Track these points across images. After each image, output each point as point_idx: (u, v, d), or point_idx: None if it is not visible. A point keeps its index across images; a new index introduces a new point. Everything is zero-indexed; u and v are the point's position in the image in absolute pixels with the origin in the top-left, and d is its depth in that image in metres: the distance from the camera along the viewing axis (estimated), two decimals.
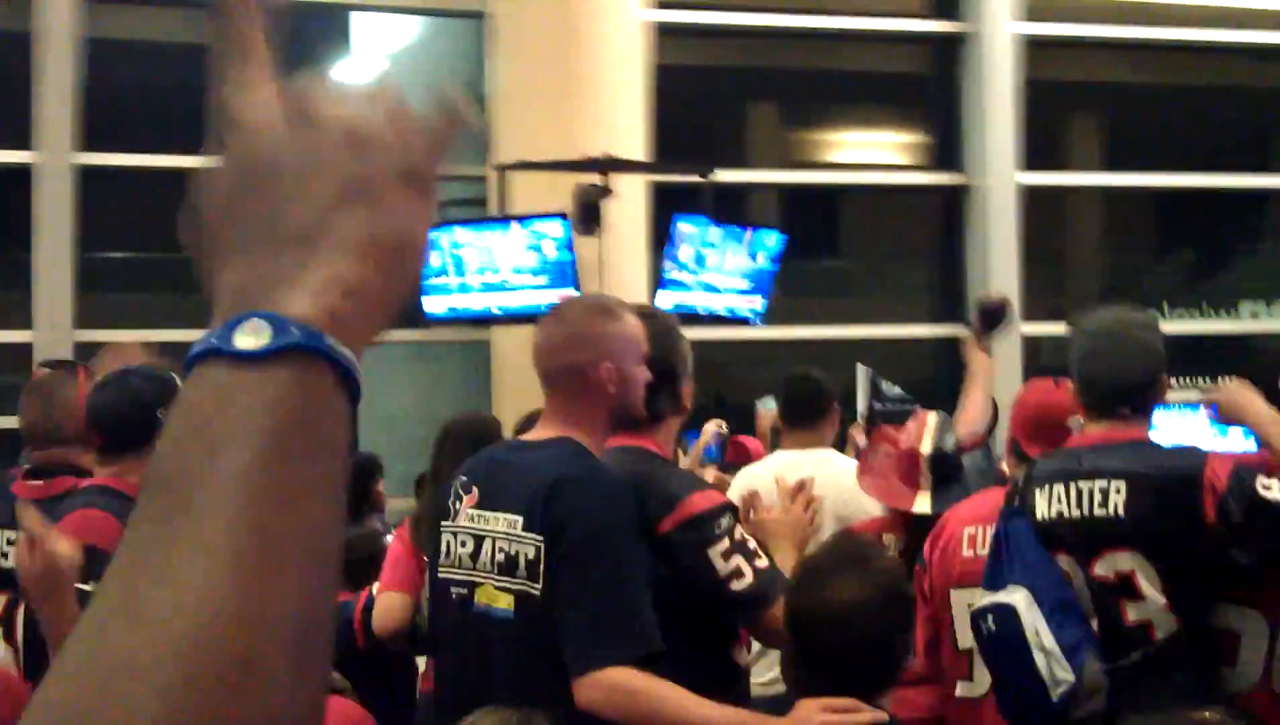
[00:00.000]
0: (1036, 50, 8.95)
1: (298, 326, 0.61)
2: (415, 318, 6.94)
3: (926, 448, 3.56)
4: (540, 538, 2.44)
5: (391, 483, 5.56)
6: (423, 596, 3.18)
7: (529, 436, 2.73)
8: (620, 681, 2.34)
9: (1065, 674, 2.68)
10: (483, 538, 2.52)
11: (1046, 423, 3.23)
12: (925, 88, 9.58)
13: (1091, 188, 9.77)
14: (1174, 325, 8.91)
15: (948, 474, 3.53)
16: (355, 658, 3.35)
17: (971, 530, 3.12)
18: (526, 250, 6.73)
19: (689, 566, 2.58)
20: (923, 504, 3.42)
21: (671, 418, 2.85)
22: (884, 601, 2.30)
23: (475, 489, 2.59)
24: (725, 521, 2.62)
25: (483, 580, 2.50)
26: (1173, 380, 3.03)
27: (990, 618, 2.76)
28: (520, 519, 2.47)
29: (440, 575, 2.62)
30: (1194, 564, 2.77)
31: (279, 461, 0.59)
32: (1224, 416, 2.99)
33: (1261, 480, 2.71)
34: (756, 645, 3.29)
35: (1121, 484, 2.79)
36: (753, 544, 2.64)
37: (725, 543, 2.59)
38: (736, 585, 2.57)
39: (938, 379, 9.13)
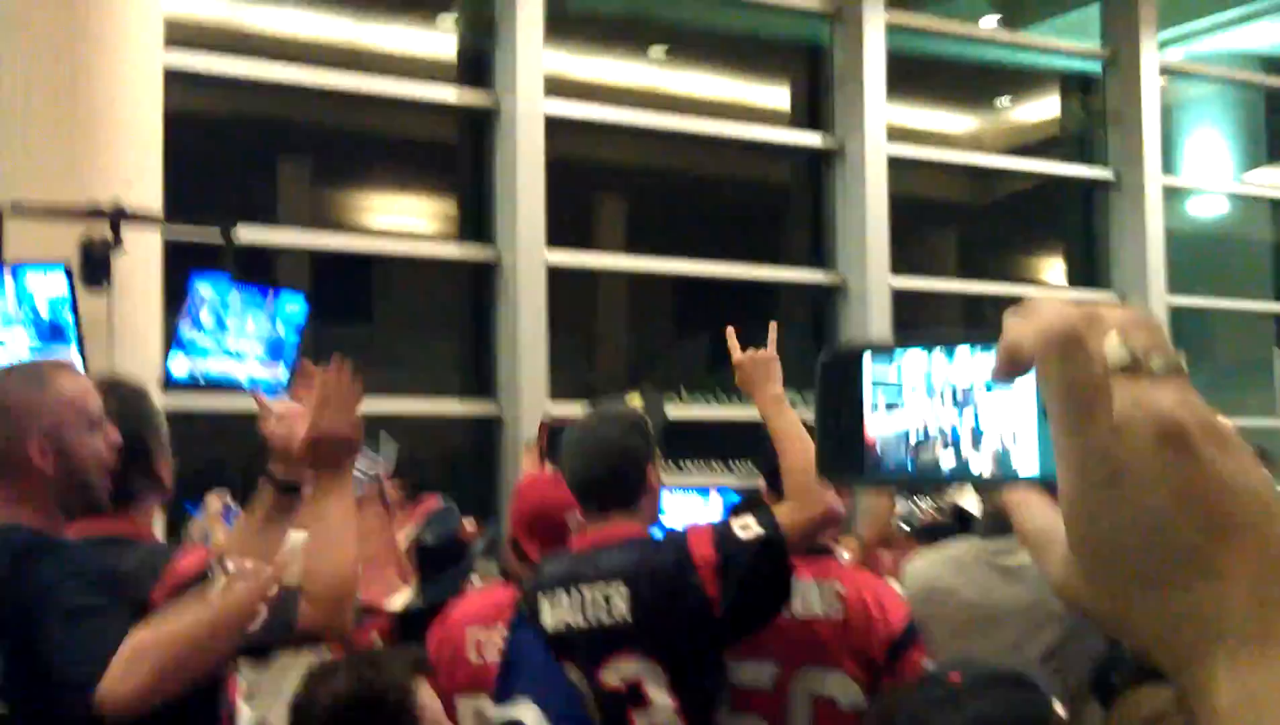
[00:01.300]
0: (564, 129, 9.11)
1: None
2: None
3: (405, 539, 3.45)
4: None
5: None
6: None
7: None
8: None
9: None
10: None
11: (544, 519, 3.15)
12: (457, 158, 9.55)
13: (616, 269, 10.02)
14: (690, 410, 9.24)
15: (440, 564, 3.42)
16: None
17: (476, 633, 2.99)
18: (18, 304, 6.08)
19: None
20: (397, 601, 3.29)
21: (150, 495, 2.60)
22: (365, 707, 2.15)
23: None
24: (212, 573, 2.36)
25: None
26: (687, 463, 3.04)
27: None
28: None
29: None
30: (699, 659, 2.74)
31: None
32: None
33: (737, 524, 2.73)
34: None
35: (621, 585, 2.72)
36: (248, 564, 2.38)
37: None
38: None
39: (464, 456, 9.05)
